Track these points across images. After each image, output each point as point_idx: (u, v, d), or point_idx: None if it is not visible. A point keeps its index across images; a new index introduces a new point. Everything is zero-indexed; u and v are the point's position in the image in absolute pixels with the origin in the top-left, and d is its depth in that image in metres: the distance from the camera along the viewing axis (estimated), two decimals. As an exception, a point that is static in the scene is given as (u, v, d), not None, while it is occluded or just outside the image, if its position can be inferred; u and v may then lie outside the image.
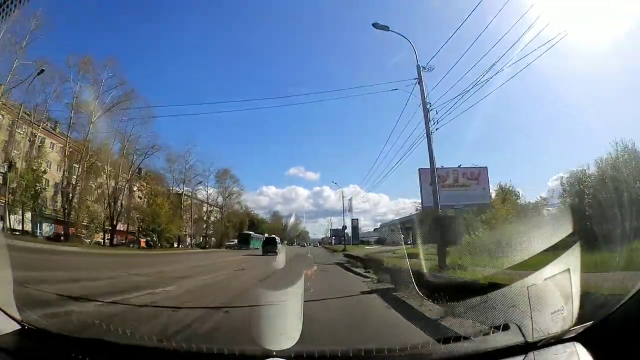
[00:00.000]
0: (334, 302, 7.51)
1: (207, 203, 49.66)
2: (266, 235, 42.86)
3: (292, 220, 66.42)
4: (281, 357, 2.06)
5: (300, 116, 68.17)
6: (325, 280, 12.11)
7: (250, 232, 47.80)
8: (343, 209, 46.92)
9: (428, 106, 14.24)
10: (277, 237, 37.34)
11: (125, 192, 35.80)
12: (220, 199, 50.35)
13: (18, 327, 2.44)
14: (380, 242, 54.10)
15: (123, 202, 35.47)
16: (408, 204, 73.22)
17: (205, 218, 49.30)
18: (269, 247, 29.80)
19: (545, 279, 2.57)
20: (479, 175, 24.94)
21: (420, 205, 29.34)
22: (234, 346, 2.35)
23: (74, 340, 2.47)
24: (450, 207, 24.19)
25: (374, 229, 68.29)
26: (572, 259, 2.61)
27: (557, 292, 2.38)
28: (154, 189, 38.30)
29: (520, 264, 5.87)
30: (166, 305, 6.65)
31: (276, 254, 25.70)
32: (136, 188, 38.48)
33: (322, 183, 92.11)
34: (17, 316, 2.52)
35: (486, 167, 25.66)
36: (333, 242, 63.35)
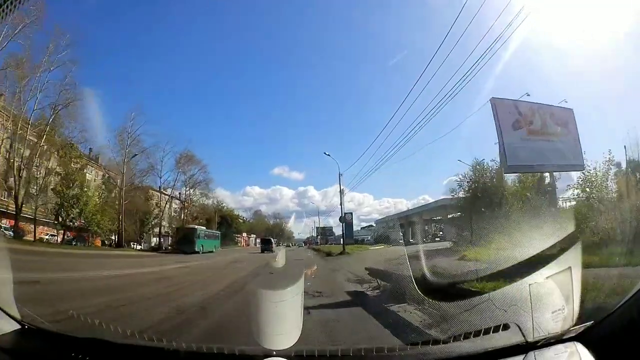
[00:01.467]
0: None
1: (161, 192, 37.64)
2: (264, 237, 45.62)
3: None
4: (281, 357, 2.06)
5: (284, 115, 67.46)
6: None
7: (196, 227, 32.53)
8: (341, 192, 34.77)
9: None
10: (272, 239, 43.17)
11: (36, 162, 24.91)
12: (181, 189, 39.74)
13: (18, 327, 2.45)
14: (381, 240, 45.59)
15: (28, 176, 24.41)
16: (392, 203, 72.68)
17: (157, 212, 37.02)
18: (266, 246, 36.54)
19: (545, 279, 2.57)
20: (567, 121, 15.77)
21: (464, 179, 18.80)
22: (234, 346, 2.35)
23: (74, 340, 2.47)
24: (540, 170, 16.35)
25: (362, 228, 62.26)
26: (573, 258, 2.61)
27: (557, 291, 2.38)
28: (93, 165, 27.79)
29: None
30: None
31: (272, 251, 32.20)
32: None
33: (307, 183, 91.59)
34: (17, 316, 2.53)
35: (572, 109, 15.89)
36: (319, 241, 56.70)
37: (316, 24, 57.61)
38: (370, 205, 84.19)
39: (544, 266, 2.80)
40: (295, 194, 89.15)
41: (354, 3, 50.10)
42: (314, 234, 62.97)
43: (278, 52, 60.49)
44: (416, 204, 48.37)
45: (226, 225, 49.75)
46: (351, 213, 42.69)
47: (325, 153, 35.78)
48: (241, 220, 59.27)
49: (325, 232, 56.58)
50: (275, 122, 65.61)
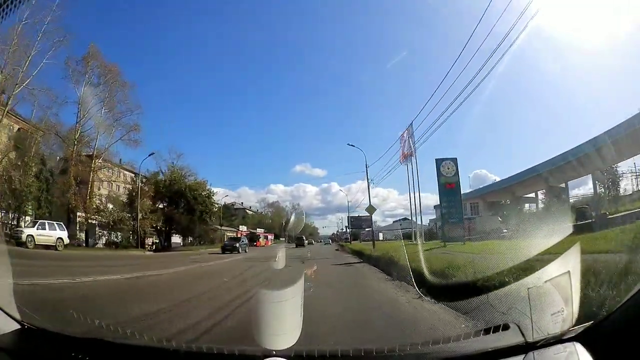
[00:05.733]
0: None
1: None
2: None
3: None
4: (281, 357, 2.06)
5: (303, 112, 67.68)
6: None
7: None
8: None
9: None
10: (304, 237, 44.15)
11: None
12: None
13: (18, 326, 2.44)
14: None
15: None
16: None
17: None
18: (298, 242, 40.52)
19: (545, 280, 2.58)
20: None
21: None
22: (233, 346, 2.35)
23: (74, 340, 2.47)
24: None
25: (395, 221, 47.73)
26: (572, 259, 2.61)
27: (557, 292, 2.38)
28: None
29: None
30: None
31: (304, 246, 35.25)
32: None
33: (330, 179, 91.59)
34: (17, 316, 2.52)
35: None
36: (350, 237, 44.65)
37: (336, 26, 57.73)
38: (395, 201, 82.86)
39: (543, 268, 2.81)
40: (318, 190, 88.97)
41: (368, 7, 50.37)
42: (342, 228, 53.12)
43: (294, 55, 61.08)
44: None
45: (185, 207, 29.18)
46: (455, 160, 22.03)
47: (349, 144, 30.71)
48: (252, 215, 50.41)
49: (359, 224, 42.27)
50: (295, 120, 65.85)
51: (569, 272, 2.40)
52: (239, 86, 62.60)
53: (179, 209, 29.62)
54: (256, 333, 2.64)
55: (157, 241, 31.29)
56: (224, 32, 58.78)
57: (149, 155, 29.34)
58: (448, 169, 22.12)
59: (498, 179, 34.84)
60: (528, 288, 2.64)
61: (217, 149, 64.16)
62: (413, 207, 27.49)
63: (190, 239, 36.29)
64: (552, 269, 2.65)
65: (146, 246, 29.50)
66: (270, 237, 53.72)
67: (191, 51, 59.64)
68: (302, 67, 64.04)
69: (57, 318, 4.53)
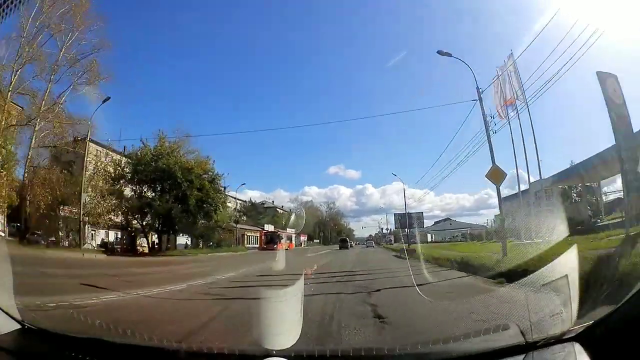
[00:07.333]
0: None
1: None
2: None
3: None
4: (281, 357, 2.06)
5: (336, 114, 67.37)
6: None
7: None
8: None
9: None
10: (347, 239, 44.80)
11: None
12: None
13: (18, 326, 2.45)
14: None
15: None
16: (454, 198, 71.07)
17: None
18: (342, 244, 39.80)
19: (544, 280, 2.58)
20: None
21: None
22: (234, 346, 2.35)
23: (74, 340, 2.47)
24: None
25: (435, 222, 43.60)
26: (571, 259, 2.62)
27: (556, 292, 2.39)
28: None
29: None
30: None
31: (348, 249, 35.34)
32: None
33: (364, 181, 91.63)
34: (17, 316, 2.52)
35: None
36: (392, 240, 41.88)
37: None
38: (431, 202, 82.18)
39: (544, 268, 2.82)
40: (353, 192, 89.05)
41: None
42: (386, 228, 48.06)
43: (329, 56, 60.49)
44: (479, 199, 38.86)
45: (173, 193, 19.95)
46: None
47: (439, 52, 16.25)
48: (276, 214, 47.38)
49: (409, 222, 30.34)
50: (329, 120, 65.30)
51: (567, 273, 2.40)
52: (273, 91, 62.42)
53: (164, 196, 19.84)
54: (256, 333, 2.64)
55: (156, 241, 24.47)
56: (264, 34, 58.50)
57: (104, 102, 20.21)
58: (615, 91, 12.19)
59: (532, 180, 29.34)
60: (528, 287, 2.64)
61: (252, 153, 63.39)
62: (526, 175, 19.12)
63: (198, 240, 28.28)
64: (551, 270, 2.65)
65: (138, 248, 23.08)
66: (303, 238, 48.54)
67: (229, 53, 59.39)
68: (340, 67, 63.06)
69: (57, 318, 4.53)
